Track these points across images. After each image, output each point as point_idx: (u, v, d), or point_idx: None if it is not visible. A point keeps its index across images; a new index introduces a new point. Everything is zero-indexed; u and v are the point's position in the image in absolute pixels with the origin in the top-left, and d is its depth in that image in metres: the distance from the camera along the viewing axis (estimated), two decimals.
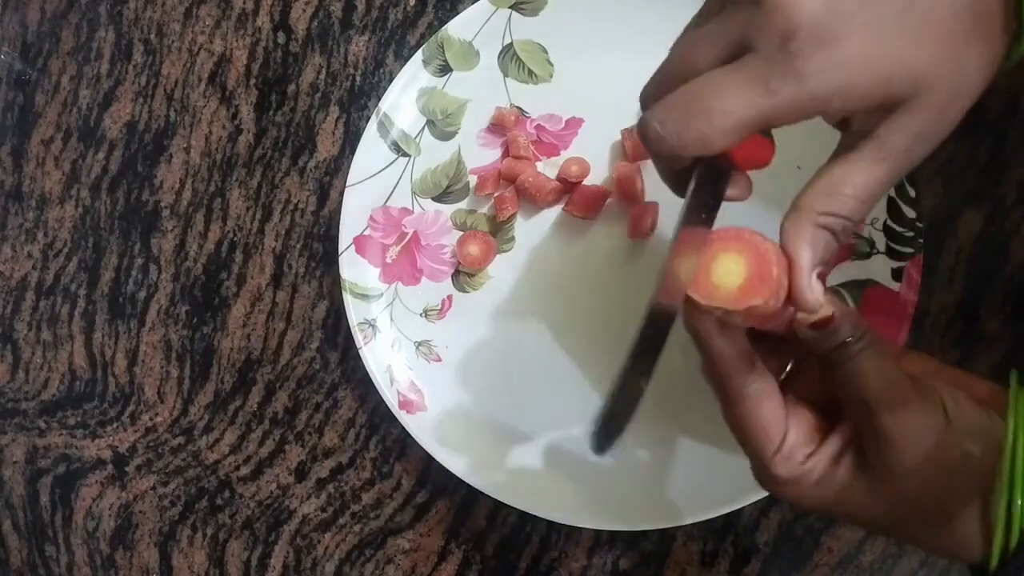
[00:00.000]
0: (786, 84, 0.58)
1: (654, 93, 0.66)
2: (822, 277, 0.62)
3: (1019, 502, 0.61)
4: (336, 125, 1.02)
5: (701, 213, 0.62)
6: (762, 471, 0.67)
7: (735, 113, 0.59)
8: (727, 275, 0.60)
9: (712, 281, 0.61)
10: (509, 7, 0.94)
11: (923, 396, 0.64)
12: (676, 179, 0.68)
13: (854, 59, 0.58)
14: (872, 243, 0.88)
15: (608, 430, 0.66)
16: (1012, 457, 0.62)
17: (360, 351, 0.96)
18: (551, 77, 0.95)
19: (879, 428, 0.63)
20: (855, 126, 0.62)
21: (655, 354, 0.63)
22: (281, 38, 1.03)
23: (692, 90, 0.61)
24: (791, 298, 0.61)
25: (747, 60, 0.59)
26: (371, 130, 0.96)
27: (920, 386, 0.64)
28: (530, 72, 0.95)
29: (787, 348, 0.69)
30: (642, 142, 0.63)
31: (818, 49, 0.58)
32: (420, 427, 0.95)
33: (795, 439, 0.66)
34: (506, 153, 0.96)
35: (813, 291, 0.61)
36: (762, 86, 0.58)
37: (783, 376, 0.70)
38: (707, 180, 0.63)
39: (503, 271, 0.97)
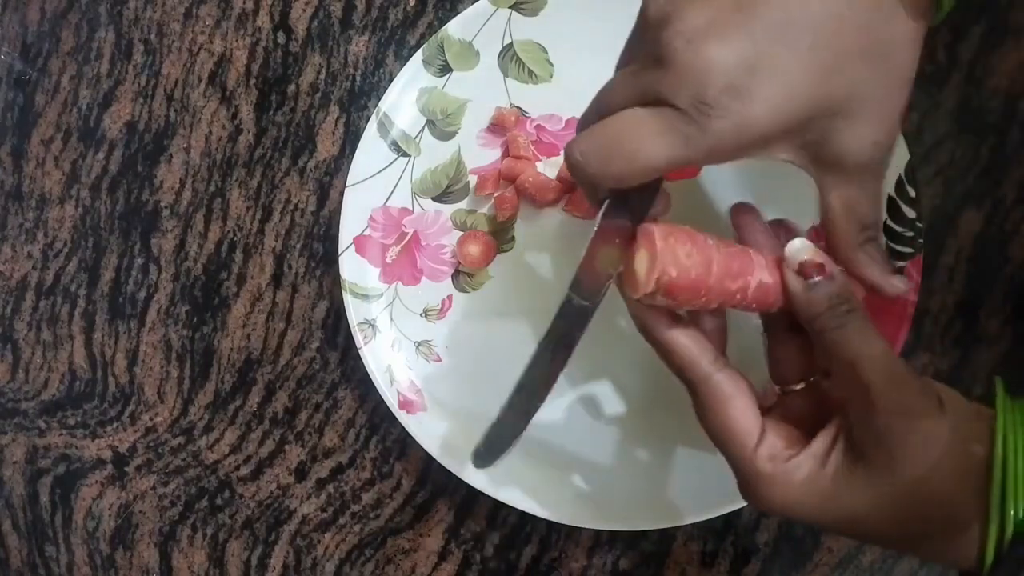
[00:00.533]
0: (703, 138, 0.61)
1: (581, 125, 0.72)
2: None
3: (1011, 512, 0.61)
4: (336, 125, 1.02)
5: (618, 216, 0.68)
6: (745, 469, 0.67)
7: (653, 159, 0.62)
8: (640, 266, 0.65)
9: (633, 272, 0.66)
10: (509, 7, 0.94)
11: (918, 379, 0.64)
12: (595, 198, 0.70)
13: (767, 109, 0.61)
14: None
15: (498, 441, 0.75)
16: (1003, 466, 0.62)
17: (360, 351, 0.96)
18: (551, 77, 0.95)
19: (876, 405, 0.63)
20: (822, 155, 0.65)
21: (566, 351, 0.72)
22: (281, 38, 1.03)
23: (614, 128, 0.64)
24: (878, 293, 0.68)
25: (664, 111, 0.62)
26: (371, 130, 0.96)
27: (914, 376, 0.65)
28: (530, 72, 0.95)
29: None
30: (566, 166, 0.67)
31: (731, 104, 0.60)
32: (420, 427, 0.95)
33: (775, 439, 0.67)
34: (506, 153, 0.96)
35: (895, 285, 0.69)
36: (679, 137, 0.61)
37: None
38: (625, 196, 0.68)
39: (503, 271, 0.97)
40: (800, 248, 0.66)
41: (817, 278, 0.65)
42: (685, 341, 0.67)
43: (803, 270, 0.65)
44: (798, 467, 0.65)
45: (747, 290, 0.66)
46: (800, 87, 0.61)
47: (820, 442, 0.66)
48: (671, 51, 0.62)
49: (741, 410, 0.67)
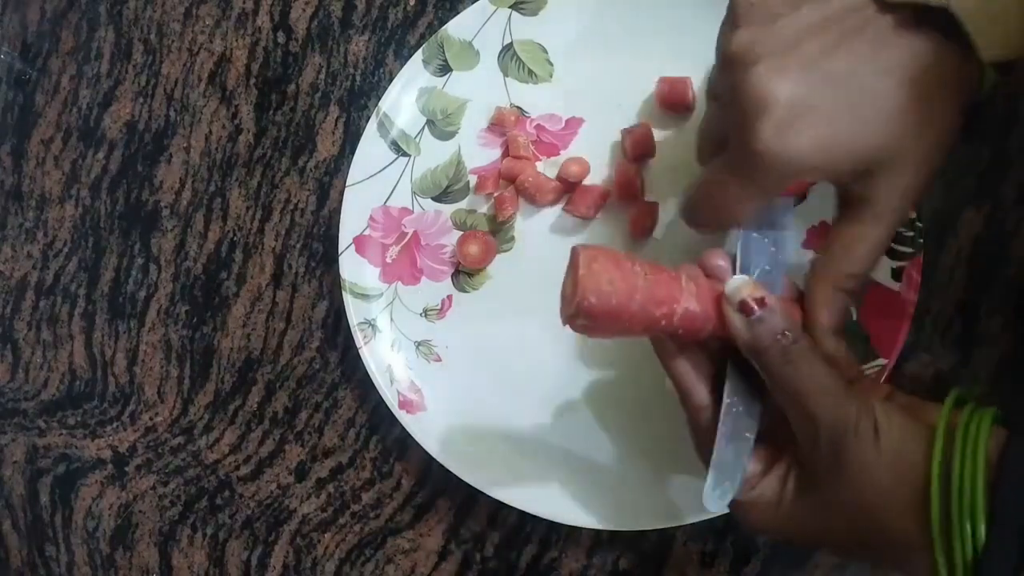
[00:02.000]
0: (758, 175, 0.68)
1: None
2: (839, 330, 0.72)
3: (957, 548, 0.62)
4: (336, 125, 1.02)
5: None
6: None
7: (737, 207, 0.71)
8: (566, 288, 0.73)
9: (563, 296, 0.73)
10: (509, 7, 0.94)
11: (856, 403, 0.67)
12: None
13: (809, 145, 0.66)
14: None
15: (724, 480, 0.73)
16: (942, 497, 0.63)
17: (360, 351, 0.96)
18: (551, 77, 0.95)
19: (819, 435, 0.66)
20: (852, 194, 0.70)
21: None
22: (281, 38, 1.03)
23: (701, 193, 0.74)
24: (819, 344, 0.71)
25: (726, 161, 0.71)
26: (371, 130, 0.96)
27: (857, 396, 0.68)
28: (530, 72, 0.95)
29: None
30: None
31: (778, 141, 0.66)
32: (420, 427, 0.95)
33: (753, 464, 0.71)
34: (506, 153, 0.96)
35: (831, 343, 0.71)
36: (741, 182, 0.70)
37: None
38: None
39: (503, 271, 0.96)
40: (738, 286, 0.69)
41: (758, 312, 0.68)
42: (686, 369, 0.73)
43: (743, 308, 0.68)
44: (762, 493, 0.70)
45: (672, 316, 0.69)
46: (842, 133, 0.66)
47: (781, 466, 0.71)
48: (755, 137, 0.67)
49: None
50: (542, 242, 0.95)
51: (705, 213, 0.74)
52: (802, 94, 0.66)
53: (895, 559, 0.67)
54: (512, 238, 0.96)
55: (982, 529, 0.61)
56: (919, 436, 0.66)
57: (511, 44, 0.95)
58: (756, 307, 0.68)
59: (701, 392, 0.73)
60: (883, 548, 0.67)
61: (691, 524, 0.92)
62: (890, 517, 0.65)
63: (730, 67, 0.69)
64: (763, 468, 0.71)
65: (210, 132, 1.05)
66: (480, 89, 0.96)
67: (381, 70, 1.01)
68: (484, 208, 0.97)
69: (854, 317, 0.88)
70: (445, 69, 0.96)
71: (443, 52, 0.95)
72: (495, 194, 0.95)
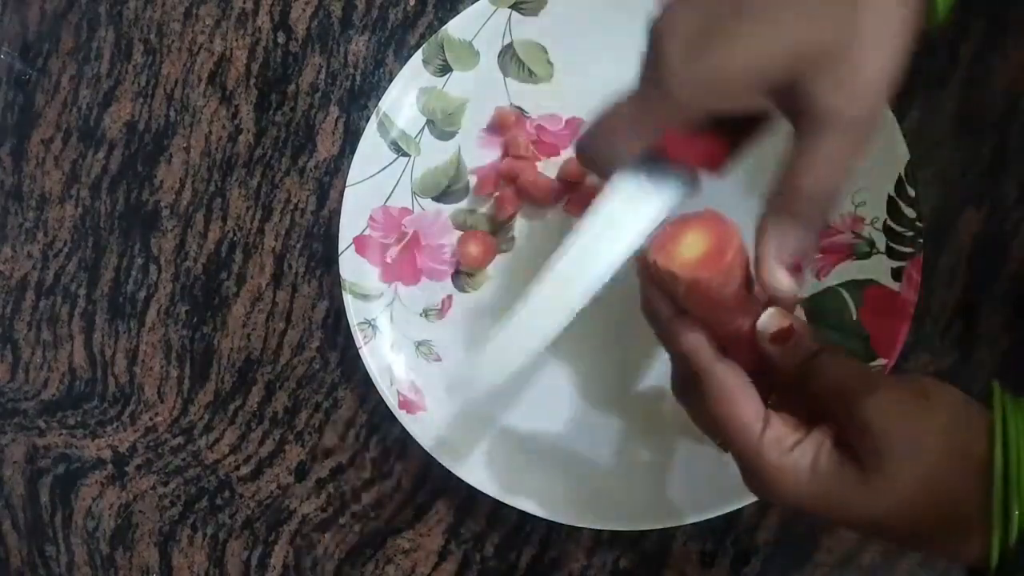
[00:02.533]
0: (659, 102, 0.65)
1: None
2: (796, 269, 0.66)
3: (1016, 513, 0.61)
4: (336, 125, 1.02)
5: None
6: (751, 458, 0.67)
7: (625, 135, 0.68)
8: (690, 247, 0.66)
9: (676, 248, 0.66)
10: (509, 7, 0.94)
11: (901, 383, 0.66)
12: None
13: (714, 63, 0.63)
14: (872, 243, 0.88)
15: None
16: (1004, 470, 0.62)
17: (360, 351, 0.96)
18: (551, 77, 0.95)
19: (858, 416, 0.64)
20: (793, 110, 0.64)
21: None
22: (281, 38, 1.03)
23: (597, 122, 0.70)
24: (761, 283, 0.66)
25: (632, 91, 0.68)
26: (371, 130, 0.96)
27: (898, 378, 0.67)
28: (530, 72, 0.95)
29: (765, 383, 0.70)
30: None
31: (681, 64, 0.64)
32: (420, 427, 0.95)
33: (780, 426, 0.67)
34: (506, 153, 0.96)
35: (775, 277, 0.66)
36: (642, 109, 0.67)
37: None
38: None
39: (503, 271, 0.97)
40: (768, 322, 0.68)
41: (790, 342, 0.67)
42: (691, 331, 0.68)
43: (775, 340, 0.67)
44: (803, 454, 0.66)
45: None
46: (761, 39, 0.63)
47: (819, 433, 0.66)
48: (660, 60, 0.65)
49: (745, 398, 0.67)
50: (542, 242, 0.95)
51: (595, 144, 0.71)
52: (709, 15, 0.64)
53: (952, 534, 0.65)
54: (512, 238, 0.96)
55: None
56: (975, 410, 0.65)
57: (511, 44, 0.95)
58: (785, 338, 0.67)
59: (707, 353, 0.68)
60: (942, 524, 0.65)
61: (691, 524, 0.93)
62: (954, 490, 0.63)
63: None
64: (798, 436, 0.66)
65: (210, 132, 1.05)
66: (480, 89, 0.96)
67: (381, 70, 1.01)
68: (484, 208, 0.97)
69: (854, 317, 0.89)
70: (445, 69, 0.96)
71: (443, 52, 0.95)
72: (495, 194, 0.95)
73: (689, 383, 0.70)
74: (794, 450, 0.66)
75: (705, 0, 0.64)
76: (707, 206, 0.68)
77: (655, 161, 0.70)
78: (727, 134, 0.69)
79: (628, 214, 0.71)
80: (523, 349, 0.74)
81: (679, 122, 0.66)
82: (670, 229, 0.67)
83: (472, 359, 0.78)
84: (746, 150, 0.70)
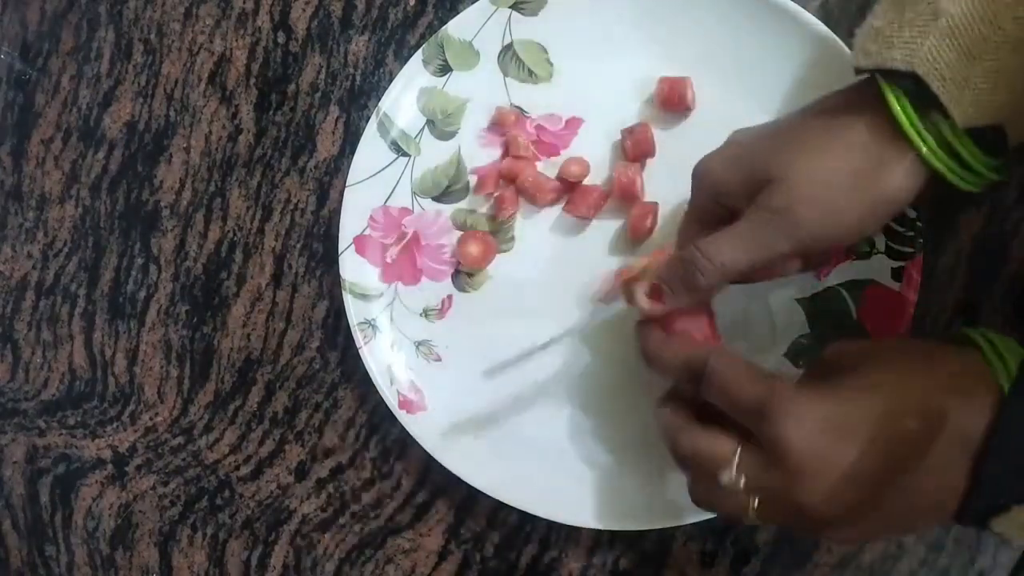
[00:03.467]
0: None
1: None
2: (657, 293, 0.78)
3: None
4: (336, 125, 1.02)
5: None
6: (771, 395, 0.70)
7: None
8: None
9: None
10: (509, 7, 0.94)
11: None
12: None
13: (717, 162, 0.78)
14: (872, 243, 0.88)
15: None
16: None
17: (360, 351, 0.96)
18: (551, 77, 0.95)
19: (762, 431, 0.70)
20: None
21: None
22: (281, 38, 1.03)
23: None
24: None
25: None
26: (371, 130, 0.96)
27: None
28: (530, 72, 0.95)
29: None
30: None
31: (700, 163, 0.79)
32: (420, 427, 0.96)
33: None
34: (506, 153, 0.96)
35: (637, 293, 0.79)
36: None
37: None
38: None
39: (503, 271, 0.97)
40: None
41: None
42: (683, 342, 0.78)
43: (651, 296, 0.78)
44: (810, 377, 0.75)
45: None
46: (754, 150, 0.76)
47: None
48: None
49: (744, 361, 0.73)
50: (542, 242, 0.96)
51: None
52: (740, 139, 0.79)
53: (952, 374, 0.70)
54: (512, 238, 0.96)
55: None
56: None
57: (511, 44, 0.95)
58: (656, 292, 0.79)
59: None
60: (941, 371, 0.70)
61: (691, 524, 0.93)
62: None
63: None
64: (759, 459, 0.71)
65: (210, 132, 1.05)
66: (480, 89, 0.96)
67: (381, 70, 1.01)
68: (484, 208, 0.97)
69: (854, 317, 0.89)
70: (445, 69, 0.96)
71: (443, 52, 0.95)
72: (495, 194, 0.95)
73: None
74: (801, 390, 0.71)
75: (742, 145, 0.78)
76: None
77: None
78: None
79: None
80: None
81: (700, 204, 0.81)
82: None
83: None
84: None
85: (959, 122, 0.67)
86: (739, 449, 0.71)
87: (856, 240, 0.74)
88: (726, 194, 0.76)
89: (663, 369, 0.77)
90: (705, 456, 0.73)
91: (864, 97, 0.71)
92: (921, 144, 0.68)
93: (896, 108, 0.68)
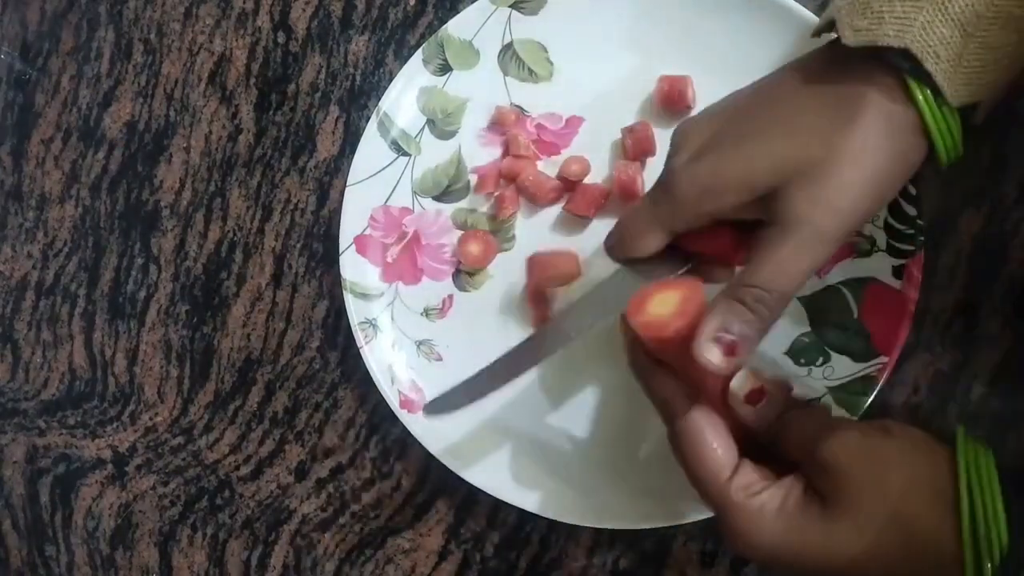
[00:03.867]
0: (665, 202, 0.74)
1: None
2: (730, 352, 0.70)
3: (988, 564, 0.63)
4: (336, 125, 1.02)
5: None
6: (719, 502, 0.71)
7: (641, 231, 0.76)
8: (657, 305, 0.72)
9: (646, 307, 0.73)
10: (509, 6, 0.94)
11: (862, 424, 0.71)
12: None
13: (710, 169, 0.72)
14: (873, 240, 0.88)
15: (449, 403, 0.84)
16: (971, 513, 0.64)
17: (361, 351, 0.96)
18: (551, 76, 0.95)
19: (820, 457, 0.69)
20: (769, 216, 0.71)
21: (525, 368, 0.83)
22: (281, 38, 1.03)
23: (620, 221, 0.79)
24: (693, 354, 0.70)
25: (649, 192, 0.78)
26: (371, 129, 0.96)
27: (863, 422, 0.73)
28: (530, 71, 0.95)
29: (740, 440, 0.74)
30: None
31: (683, 168, 0.73)
32: (421, 427, 0.96)
33: (750, 474, 0.71)
34: (506, 152, 0.96)
35: (705, 351, 0.69)
36: (653, 209, 0.75)
37: None
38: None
39: (504, 270, 0.97)
40: (741, 383, 0.72)
41: (762, 402, 0.72)
42: (667, 380, 0.75)
43: (749, 400, 0.72)
44: (771, 497, 0.69)
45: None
46: (743, 154, 0.71)
47: (784, 482, 0.70)
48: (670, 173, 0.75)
49: (716, 442, 0.71)
50: (543, 241, 0.95)
51: (617, 238, 0.79)
52: (718, 131, 0.74)
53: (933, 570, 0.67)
54: (513, 237, 0.96)
55: (1004, 536, 0.63)
56: (937, 449, 0.68)
57: (511, 43, 0.95)
58: (758, 398, 0.72)
59: (681, 400, 0.74)
60: (923, 560, 0.67)
61: (691, 524, 0.93)
62: (920, 528, 0.66)
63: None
64: (762, 479, 0.71)
65: (210, 132, 1.05)
66: (480, 88, 0.96)
67: (381, 70, 1.01)
68: (485, 207, 0.97)
69: (855, 315, 0.89)
70: (445, 68, 0.96)
71: (443, 51, 0.95)
72: (495, 193, 0.95)
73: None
74: (762, 493, 0.69)
75: (717, 117, 0.75)
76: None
77: (674, 254, 0.78)
78: (738, 231, 0.76)
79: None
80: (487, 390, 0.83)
81: (684, 221, 0.74)
82: (644, 291, 0.74)
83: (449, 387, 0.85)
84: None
85: (951, 98, 0.67)
86: (740, 464, 0.72)
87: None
88: (726, 204, 0.72)
89: (647, 394, 0.78)
90: (704, 454, 0.73)
91: (855, 75, 0.69)
92: (936, 129, 0.68)
93: (919, 97, 0.67)
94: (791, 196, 0.68)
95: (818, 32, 0.74)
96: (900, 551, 0.66)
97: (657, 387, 0.76)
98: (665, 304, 0.72)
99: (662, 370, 0.75)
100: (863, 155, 0.67)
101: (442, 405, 0.84)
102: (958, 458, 0.66)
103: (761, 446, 0.74)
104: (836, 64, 0.70)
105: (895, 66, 0.67)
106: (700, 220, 0.74)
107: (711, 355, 0.69)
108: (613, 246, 0.79)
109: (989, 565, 0.63)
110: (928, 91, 0.67)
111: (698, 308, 0.71)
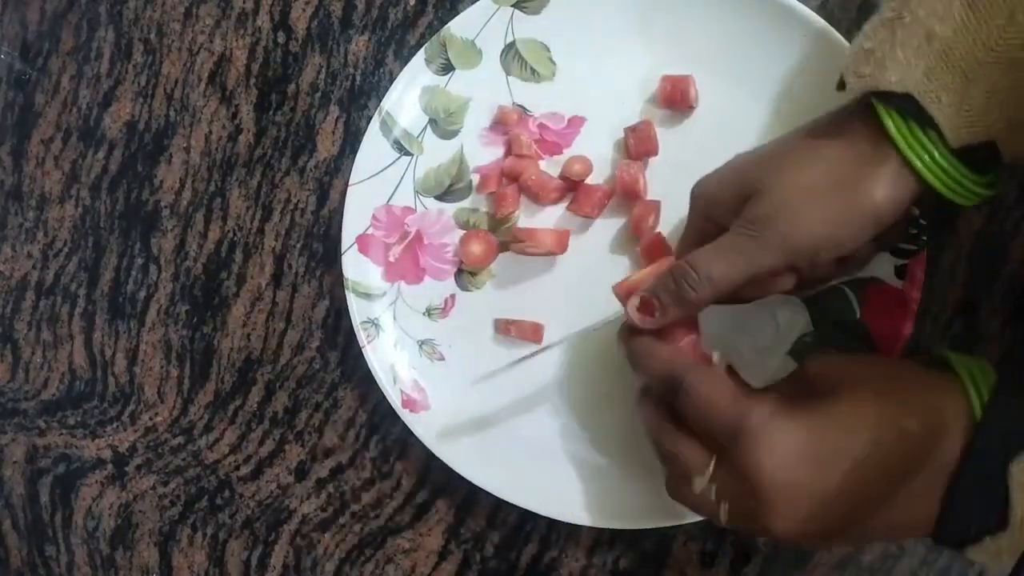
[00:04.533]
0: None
1: None
2: (647, 305, 0.78)
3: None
4: (336, 125, 1.02)
5: None
6: (734, 421, 0.71)
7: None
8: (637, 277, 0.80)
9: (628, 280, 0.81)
10: (511, 5, 0.94)
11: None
12: None
13: (710, 180, 0.80)
14: None
15: None
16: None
17: (364, 350, 0.96)
18: (553, 75, 0.95)
19: (806, 370, 0.76)
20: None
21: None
22: (281, 38, 1.03)
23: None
24: None
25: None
26: (373, 129, 0.96)
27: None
28: (532, 70, 0.95)
29: None
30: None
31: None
32: (423, 426, 0.96)
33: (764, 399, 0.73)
34: (508, 151, 0.96)
35: (629, 304, 0.78)
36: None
37: None
38: None
39: (505, 270, 0.97)
40: (635, 304, 0.78)
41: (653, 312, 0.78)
42: (658, 349, 0.78)
43: (641, 310, 0.78)
44: (786, 421, 0.70)
45: None
46: (744, 164, 0.78)
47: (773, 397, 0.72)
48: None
49: (723, 382, 0.73)
50: None
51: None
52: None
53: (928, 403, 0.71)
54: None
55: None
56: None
57: (513, 43, 0.95)
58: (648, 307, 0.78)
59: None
60: (917, 399, 0.71)
61: (691, 524, 0.93)
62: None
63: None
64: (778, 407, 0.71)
65: (210, 132, 1.05)
66: (482, 88, 0.96)
67: (381, 70, 1.01)
68: (486, 207, 0.97)
69: (857, 315, 0.89)
70: (447, 68, 0.96)
71: (445, 51, 0.95)
72: (498, 193, 0.95)
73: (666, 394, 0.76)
74: (777, 416, 0.70)
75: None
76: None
77: None
78: None
79: None
80: None
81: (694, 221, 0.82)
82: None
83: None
84: None
85: (952, 141, 0.69)
86: (712, 461, 0.72)
87: (843, 252, 0.73)
88: (718, 211, 0.77)
89: (645, 374, 0.78)
90: (681, 461, 0.74)
91: (853, 114, 0.72)
92: (916, 160, 0.69)
93: (889, 123, 0.69)
94: (751, 204, 0.74)
95: (841, 86, 0.75)
96: (903, 409, 0.70)
97: (651, 363, 0.77)
98: (641, 276, 0.80)
99: (655, 342, 0.78)
100: (830, 200, 0.72)
101: None
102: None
103: None
104: (843, 112, 0.74)
105: (900, 112, 0.70)
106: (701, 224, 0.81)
107: (631, 310, 0.78)
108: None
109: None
110: (899, 117, 0.70)
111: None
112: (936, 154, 0.69)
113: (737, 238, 0.74)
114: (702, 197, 0.79)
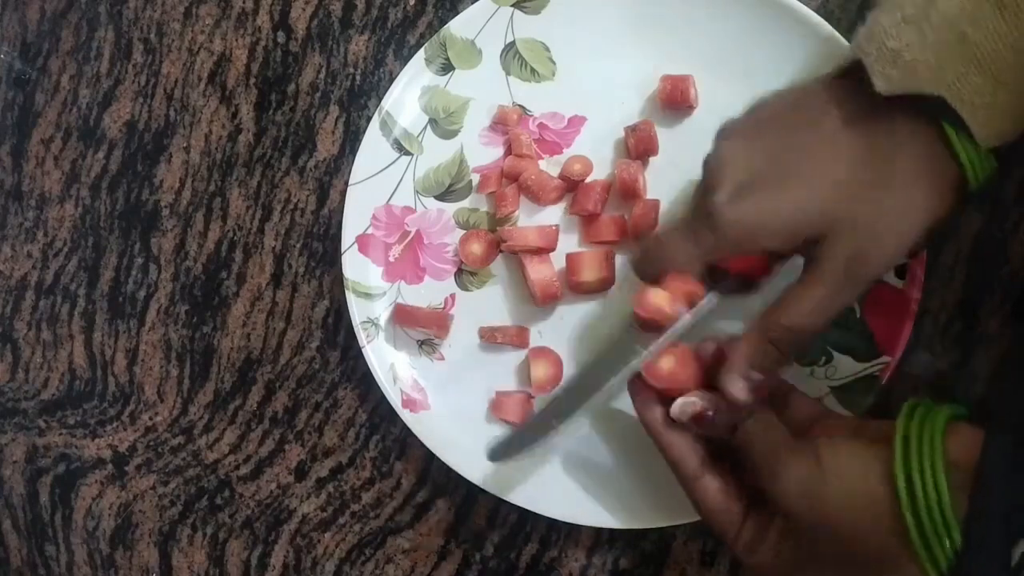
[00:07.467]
0: (707, 235, 0.75)
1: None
2: (759, 387, 0.76)
3: (939, 552, 0.66)
4: (336, 125, 1.02)
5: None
6: (732, 550, 0.77)
7: (677, 260, 0.77)
8: (667, 363, 0.78)
9: (658, 368, 0.78)
10: (511, 5, 0.94)
11: (799, 454, 0.72)
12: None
13: (757, 211, 0.74)
14: None
15: (512, 445, 0.85)
16: (913, 509, 0.66)
17: (363, 350, 0.96)
18: (553, 75, 0.95)
19: (772, 503, 0.73)
20: (808, 256, 0.75)
21: (584, 399, 0.84)
22: (281, 38, 1.03)
23: (653, 244, 0.81)
24: (719, 385, 0.76)
25: (686, 219, 0.78)
26: (373, 128, 0.96)
27: (800, 444, 0.73)
28: (532, 70, 0.95)
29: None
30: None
31: (729, 206, 0.74)
32: (423, 426, 0.96)
33: (751, 527, 0.76)
34: (508, 151, 0.96)
35: (731, 384, 0.75)
36: (693, 239, 0.76)
37: None
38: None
39: (505, 270, 0.97)
40: (680, 410, 0.77)
41: (709, 420, 0.76)
42: (678, 441, 0.78)
43: (695, 422, 0.76)
44: (766, 551, 0.74)
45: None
46: (788, 197, 0.73)
47: (774, 528, 0.74)
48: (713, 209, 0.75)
49: (721, 507, 0.77)
50: None
51: (651, 263, 0.80)
52: (759, 166, 0.74)
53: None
54: None
55: (957, 535, 0.65)
56: (870, 457, 0.70)
57: (513, 42, 0.95)
58: (699, 418, 0.76)
59: (692, 463, 0.78)
60: (870, 569, 0.70)
61: (691, 524, 0.93)
62: (868, 539, 0.69)
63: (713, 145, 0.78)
64: (755, 533, 0.75)
65: (210, 132, 1.05)
66: (482, 88, 0.96)
67: (381, 70, 1.01)
68: (486, 207, 0.97)
69: (857, 315, 0.89)
70: (447, 68, 0.96)
71: (445, 51, 0.95)
72: (497, 192, 0.95)
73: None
74: (755, 552, 0.75)
75: (754, 150, 0.76)
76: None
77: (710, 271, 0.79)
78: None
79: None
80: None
81: (723, 253, 0.76)
82: (650, 360, 0.79)
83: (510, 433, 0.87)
84: (782, 263, 0.79)
85: (981, 142, 0.69)
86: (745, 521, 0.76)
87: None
88: (767, 245, 0.75)
89: (660, 451, 0.81)
90: (713, 516, 0.78)
91: (903, 130, 0.71)
92: (971, 171, 0.70)
93: (955, 141, 0.69)
94: (833, 246, 0.72)
95: (842, 74, 0.75)
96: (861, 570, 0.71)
97: (670, 447, 0.78)
98: (668, 362, 0.78)
99: (675, 430, 0.78)
100: (904, 217, 0.72)
101: (505, 450, 0.86)
102: (896, 477, 0.67)
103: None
104: (875, 110, 0.72)
105: (929, 113, 0.70)
106: (738, 254, 0.76)
107: (735, 389, 0.75)
108: (644, 268, 0.81)
109: (945, 560, 0.65)
110: (967, 140, 0.69)
111: (693, 362, 0.78)
112: (983, 159, 0.71)
113: (830, 285, 0.73)
114: (755, 234, 0.74)
